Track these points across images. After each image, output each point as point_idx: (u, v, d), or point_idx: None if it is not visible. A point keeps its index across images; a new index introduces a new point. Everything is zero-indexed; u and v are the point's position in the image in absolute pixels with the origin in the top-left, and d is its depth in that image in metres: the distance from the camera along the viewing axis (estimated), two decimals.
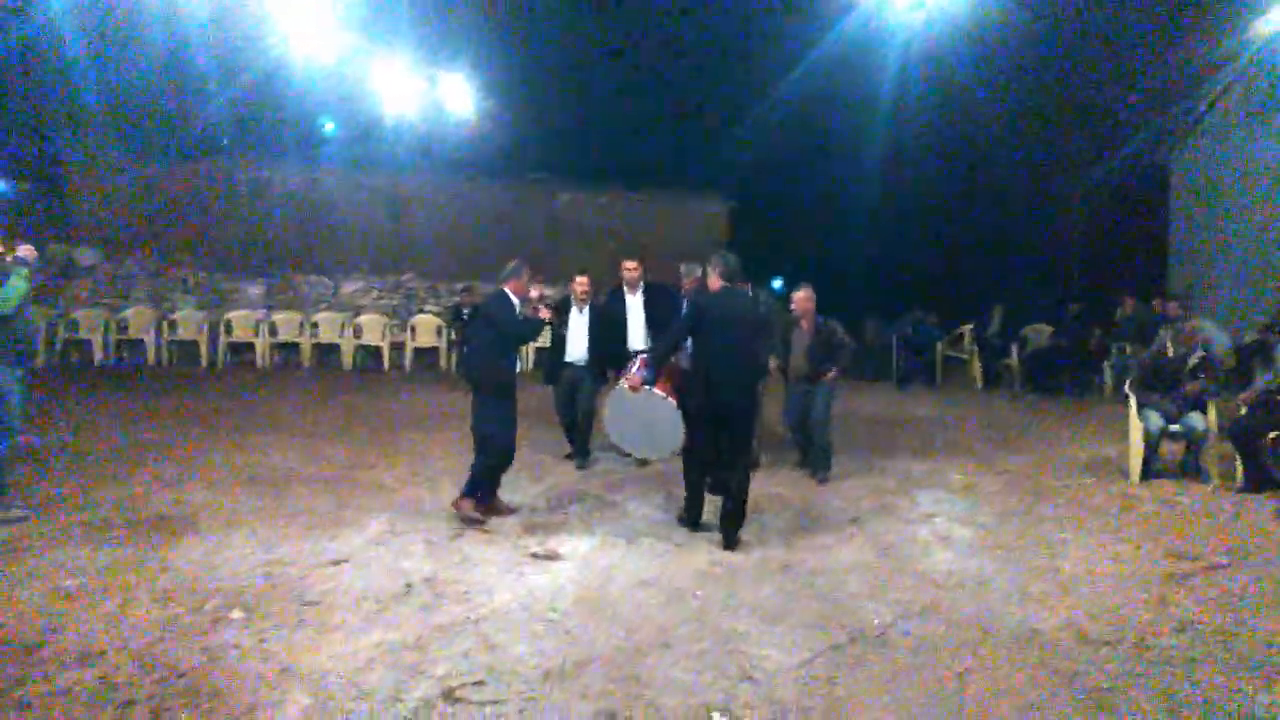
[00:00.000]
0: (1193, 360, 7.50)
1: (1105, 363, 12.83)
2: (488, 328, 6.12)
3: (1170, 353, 7.69)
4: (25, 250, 5.73)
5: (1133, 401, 7.52)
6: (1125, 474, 7.50)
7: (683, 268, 7.69)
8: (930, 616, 4.43)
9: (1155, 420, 7.34)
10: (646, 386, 5.90)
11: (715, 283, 5.79)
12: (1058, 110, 16.79)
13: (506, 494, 6.34)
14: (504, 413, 5.99)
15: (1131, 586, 4.92)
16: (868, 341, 15.25)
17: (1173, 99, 14.39)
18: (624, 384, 6.01)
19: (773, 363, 7.39)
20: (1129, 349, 12.45)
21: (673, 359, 6.08)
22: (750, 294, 6.51)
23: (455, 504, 5.97)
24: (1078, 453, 8.64)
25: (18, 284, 5.56)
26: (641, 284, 7.94)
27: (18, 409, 5.70)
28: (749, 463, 5.99)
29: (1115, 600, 4.69)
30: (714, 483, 5.75)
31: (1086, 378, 13.06)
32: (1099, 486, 7.29)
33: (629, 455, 6.97)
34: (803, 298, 7.62)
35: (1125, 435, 7.67)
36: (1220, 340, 10.66)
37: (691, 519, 5.87)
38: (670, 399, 5.87)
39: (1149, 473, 7.39)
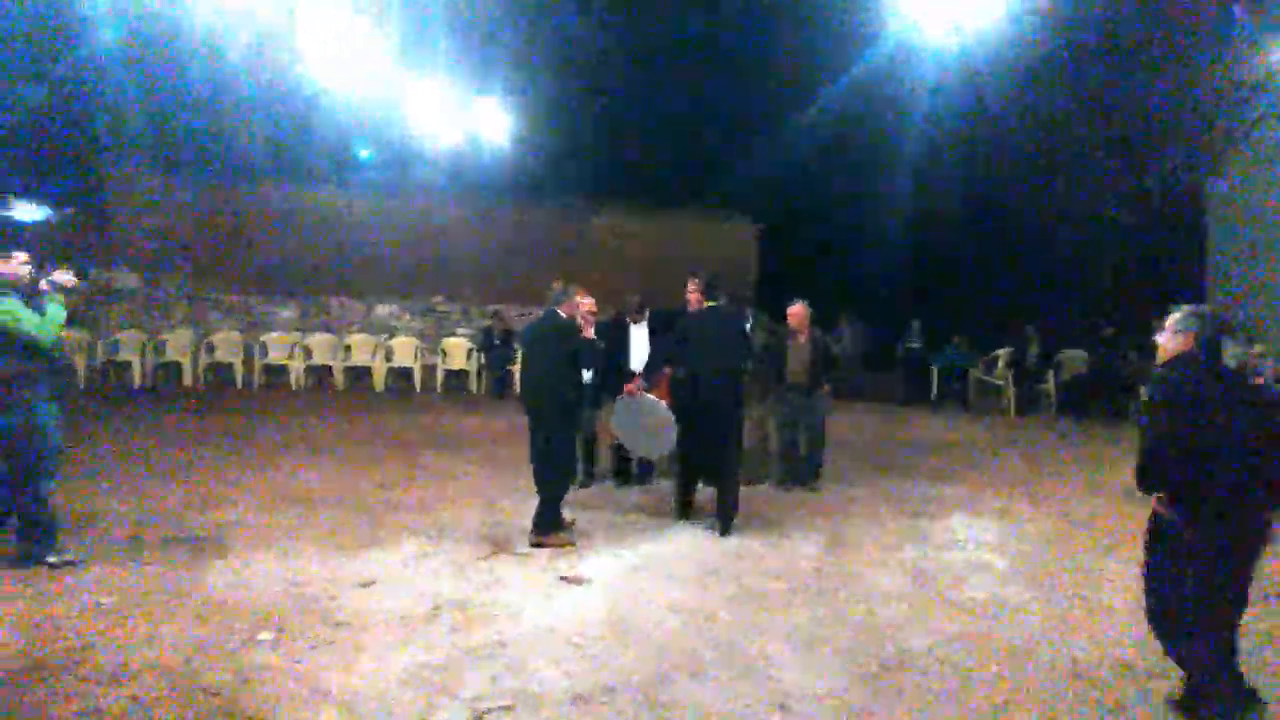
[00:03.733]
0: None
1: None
2: (553, 351, 6.02)
3: None
4: (62, 275, 5.38)
5: None
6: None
7: (690, 284, 7.71)
8: (966, 645, 4.34)
9: None
10: (643, 392, 6.71)
11: (696, 298, 6.74)
12: (1093, 130, 16.63)
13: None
14: (568, 435, 6.14)
15: None
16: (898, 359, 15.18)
17: (1211, 119, 14.21)
18: (625, 390, 6.78)
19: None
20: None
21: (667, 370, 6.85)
22: (727, 306, 6.92)
23: (539, 543, 5.83)
24: (1115, 479, 8.46)
25: (56, 312, 5.19)
26: (647, 312, 7.93)
27: (57, 447, 5.26)
28: (738, 459, 6.52)
29: None
30: (707, 475, 6.47)
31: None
32: (1138, 513, 7.12)
33: (632, 458, 7.65)
34: (797, 312, 8.00)
35: None
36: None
37: (679, 508, 6.57)
38: (663, 402, 6.65)
39: None
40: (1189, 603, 3.51)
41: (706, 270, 7.11)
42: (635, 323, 7.87)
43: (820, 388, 7.86)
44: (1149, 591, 3.69)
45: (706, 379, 6.33)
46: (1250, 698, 3.53)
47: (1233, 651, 3.55)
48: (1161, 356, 3.86)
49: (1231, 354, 9.05)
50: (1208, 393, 3.57)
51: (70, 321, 5.52)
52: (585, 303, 7.53)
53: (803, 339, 7.91)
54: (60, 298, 5.35)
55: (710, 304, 6.65)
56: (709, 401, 6.31)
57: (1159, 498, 3.70)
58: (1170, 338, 3.86)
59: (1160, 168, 15.68)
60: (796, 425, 7.88)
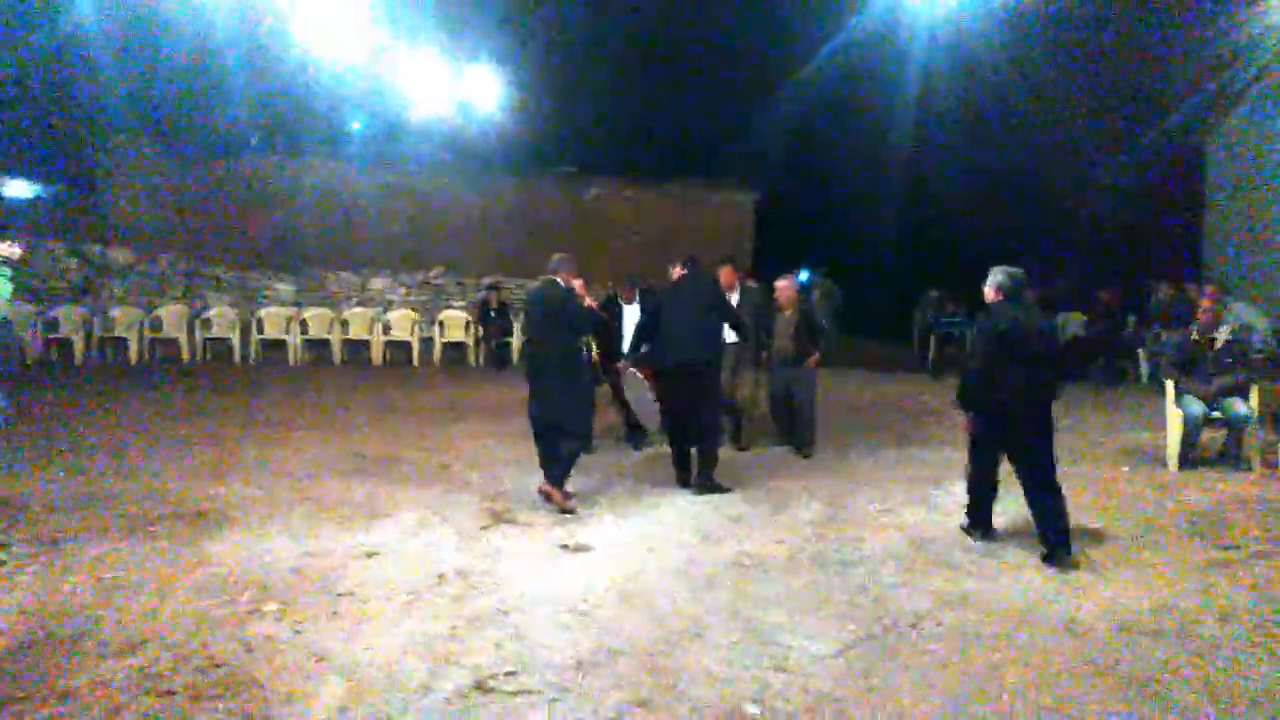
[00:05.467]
0: (1219, 343, 7.34)
1: (1140, 350, 12.61)
2: (558, 317, 6.21)
3: (1196, 336, 7.52)
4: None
5: (1170, 388, 7.39)
6: (1164, 462, 7.37)
7: (673, 264, 7.97)
8: (965, 606, 4.38)
9: (1195, 407, 7.20)
10: (631, 371, 7.24)
11: (676, 271, 6.92)
12: (1088, 91, 16.49)
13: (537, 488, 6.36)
14: (582, 391, 6.38)
15: (1172, 575, 4.84)
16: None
17: (1208, 78, 14.07)
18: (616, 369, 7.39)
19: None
20: (1164, 336, 12.23)
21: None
22: (700, 274, 7.07)
23: (548, 494, 5.99)
24: (1114, 441, 8.51)
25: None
26: (638, 296, 8.12)
27: None
28: (716, 418, 6.87)
29: (1156, 590, 4.61)
30: (686, 434, 6.69)
31: (1121, 365, 12.86)
32: (1137, 475, 7.18)
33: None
34: (785, 286, 8.23)
35: (1162, 423, 7.53)
36: (1259, 324, 10.44)
37: (679, 472, 6.74)
38: (645, 381, 7.17)
39: (1188, 460, 7.25)
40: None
41: (701, 243, 7.26)
42: (627, 302, 7.93)
43: (807, 359, 8.02)
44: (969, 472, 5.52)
45: (675, 343, 6.55)
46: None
47: (995, 487, 5.46)
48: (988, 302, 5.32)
49: (1238, 318, 9.13)
50: (1008, 323, 5.11)
51: (70, 297, 5.32)
52: (575, 284, 7.68)
53: (788, 312, 8.10)
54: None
55: (684, 273, 6.87)
56: (680, 364, 6.54)
57: (970, 416, 5.33)
58: (987, 290, 5.34)
59: (1156, 130, 15.56)
60: (786, 395, 8.08)
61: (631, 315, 7.89)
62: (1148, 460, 7.62)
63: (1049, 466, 5.12)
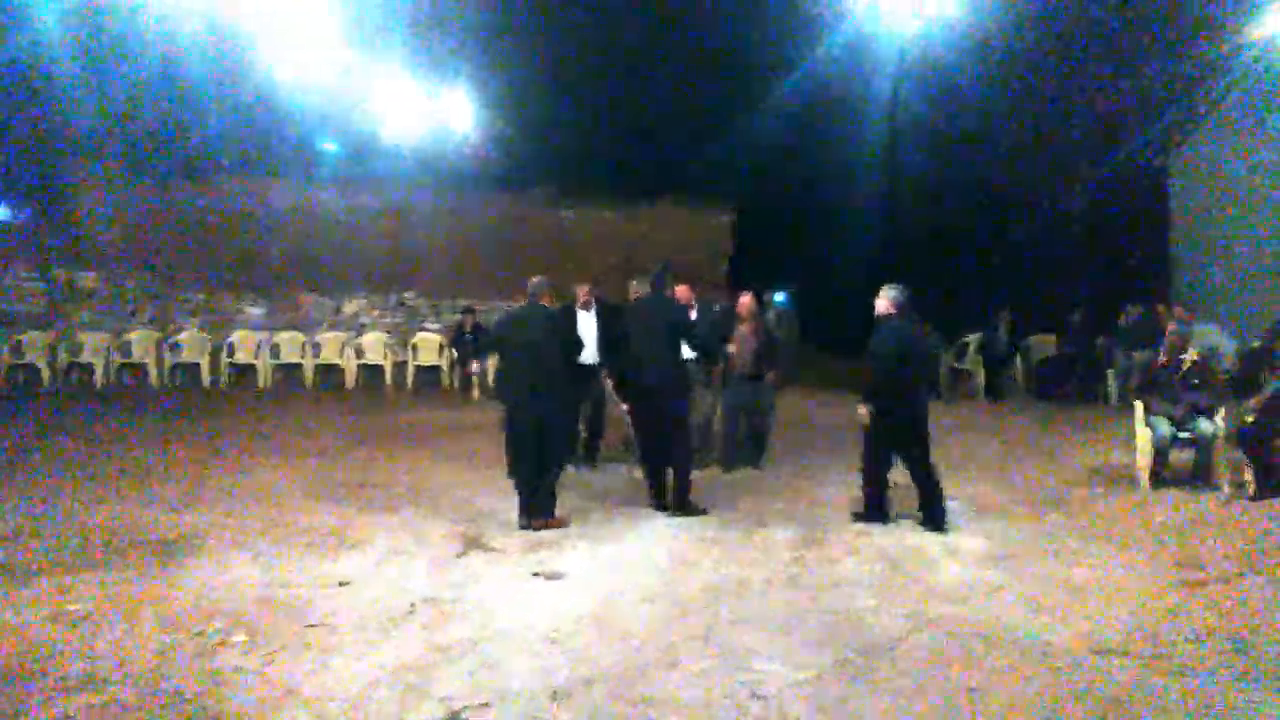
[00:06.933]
0: (1185, 365, 7.46)
1: (1110, 370, 12.76)
2: (557, 336, 6.41)
3: (1164, 359, 7.63)
4: None
5: (1138, 409, 7.47)
6: (1134, 482, 7.44)
7: (632, 284, 7.97)
8: (940, 629, 4.37)
9: (1164, 427, 7.28)
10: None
11: (636, 291, 7.04)
12: (1055, 112, 16.75)
13: (511, 513, 6.31)
14: (570, 417, 6.60)
15: (1144, 596, 4.87)
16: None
17: (1171, 100, 14.36)
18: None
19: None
20: (1135, 356, 12.38)
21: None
22: (662, 295, 7.28)
23: (543, 526, 6.05)
24: (1086, 461, 8.58)
25: None
26: (593, 302, 8.11)
27: None
28: (687, 441, 6.79)
29: (1128, 610, 4.63)
30: (659, 456, 6.68)
31: (1092, 386, 12.99)
32: (1108, 495, 7.24)
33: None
34: (745, 303, 8.35)
35: (1133, 443, 7.61)
36: (1224, 346, 10.59)
37: (653, 495, 6.70)
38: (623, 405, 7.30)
39: (1159, 480, 7.32)
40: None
41: (679, 262, 7.29)
42: (584, 309, 8.01)
43: (765, 376, 8.13)
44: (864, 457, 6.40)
45: (645, 365, 6.66)
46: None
47: (887, 479, 6.33)
48: (880, 314, 6.24)
49: (1204, 339, 9.31)
50: (899, 336, 6.15)
51: (36, 322, 5.39)
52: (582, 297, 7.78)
53: (746, 329, 8.16)
54: None
55: (645, 293, 6.99)
56: (650, 387, 6.64)
57: (869, 408, 6.20)
58: (881, 303, 6.23)
59: (1122, 151, 15.84)
60: (743, 412, 8.18)
61: (586, 321, 7.90)
62: (1118, 480, 7.68)
63: (924, 458, 6.16)
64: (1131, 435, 7.63)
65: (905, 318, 6.22)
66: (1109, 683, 3.77)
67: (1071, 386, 12.95)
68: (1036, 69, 15.80)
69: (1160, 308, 13.04)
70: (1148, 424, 7.34)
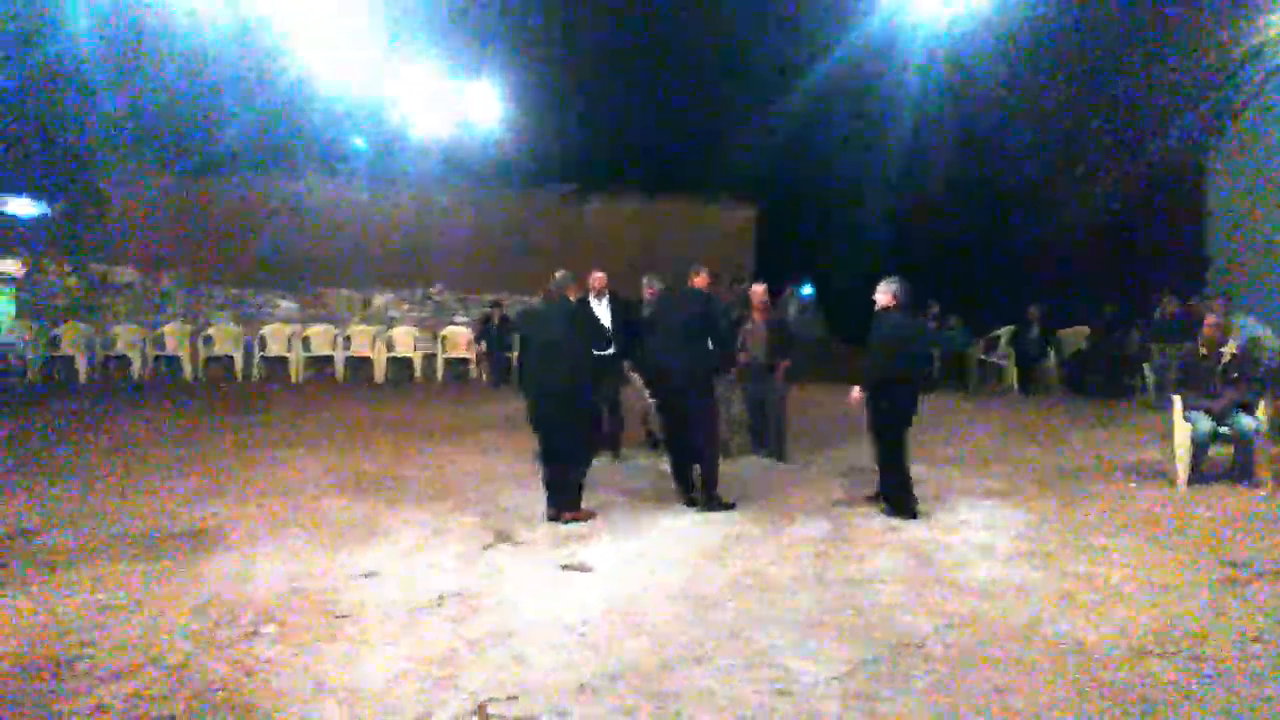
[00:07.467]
0: (1225, 358, 7.30)
1: (1145, 365, 12.55)
2: (581, 330, 6.46)
3: (1203, 351, 7.47)
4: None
5: (1177, 404, 7.33)
6: (1171, 478, 7.30)
7: (644, 279, 8.23)
8: (971, 627, 4.31)
9: (1204, 423, 7.12)
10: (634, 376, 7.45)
11: (651, 290, 7.20)
12: (1089, 104, 16.46)
13: (538, 506, 6.32)
14: (587, 413, 6.51)
15: (1183, 595, 4.76)
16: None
17: (1208, 91, 14.06)
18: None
19: (741, 357, 8.11)
20: (1170, 351, 12.15)
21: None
22: (686, 290, 7.05)
23: (573, 518, 6.12)
24: (1120, 457, 8.45)
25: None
26: (607, 293, 8.16)
27: None
28: (713, 436, 6.75)
29: (1166, 610, 4.53)
30: (686, 451, 6.64)
31: (1126, 380, 12.79)
32: (1144, 491, 7.11)
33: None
34: (758, 293, 8.37)
35: (1168, 438, 7.47)
36: (1266, 339, 10.38)
37: (681, 489, 6.67)
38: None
39: (1196, 477, 7.18)
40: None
41: (702, 257, 7.33)
42: (598, 298, 8.05)
43: (779, 367, 8.13)
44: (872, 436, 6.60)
45: (667, 361, 6.63)
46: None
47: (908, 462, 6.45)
48: (881, 307, 6.37)
49: (1246, 331, 9.16)
50: (899, 328, 6.31)
51: (72, 315, 5.40)
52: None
53: (759, 320, 8.18)
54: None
55: (664, 289, 7.10)
56: (674, 383, 6.62)
57: (867, 392, 6.38)
58: (881, 296, 6.34)
59: (1158, 142, 15.55)
60: (759, 403, 8.21)
61: (600, 310, 7.90)
62: (1155, 477, 7.54)
63: (896, 446, 6.36)
64: (1168, 430, 7.49)
65: (904, 309, 6.38)
66: (1145, 684, 3.70)
67: (1104, 380, 12.74)
68: (1067, 60, 15.54)
69: (1196, 300, 12.82)
70: (1187, 419, 7.20)
